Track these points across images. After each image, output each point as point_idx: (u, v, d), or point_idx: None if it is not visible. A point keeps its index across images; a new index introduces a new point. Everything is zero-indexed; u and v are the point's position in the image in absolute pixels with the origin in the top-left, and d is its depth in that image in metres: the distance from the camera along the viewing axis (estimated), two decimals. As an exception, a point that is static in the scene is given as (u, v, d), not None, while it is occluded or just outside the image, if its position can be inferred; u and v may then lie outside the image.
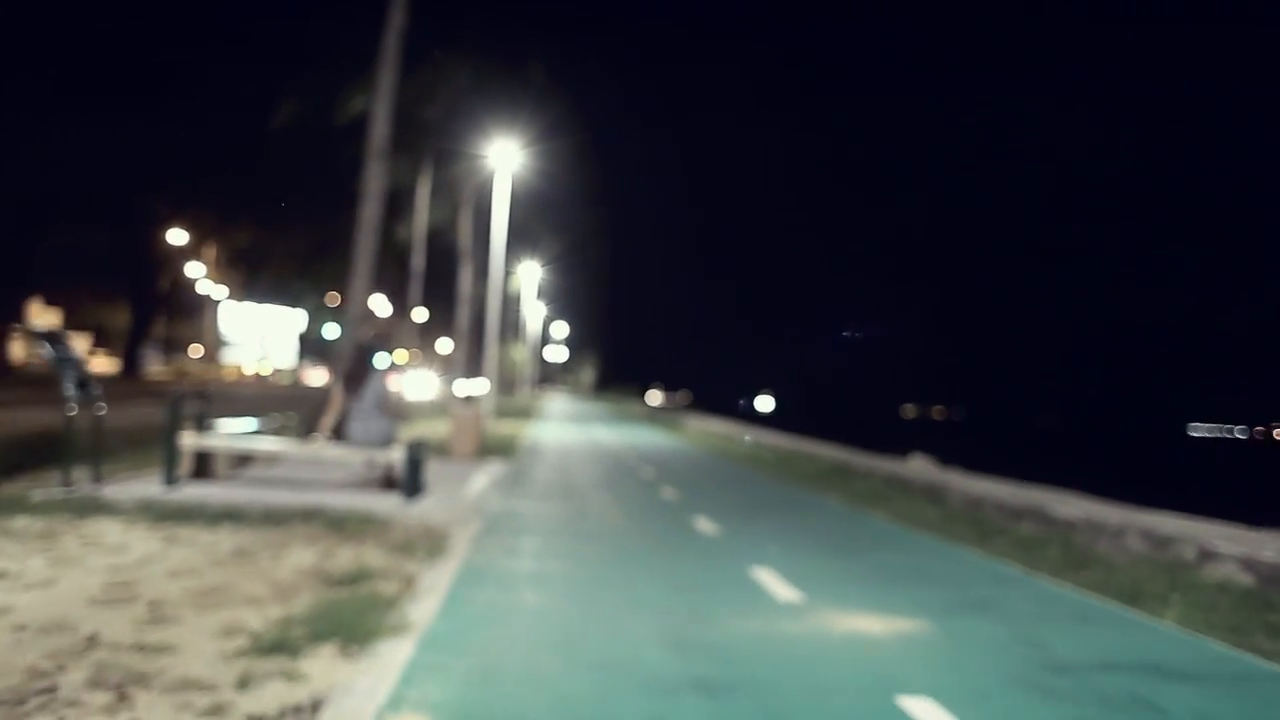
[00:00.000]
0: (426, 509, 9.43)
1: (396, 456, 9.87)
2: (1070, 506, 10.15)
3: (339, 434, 10.17)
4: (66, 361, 8.98)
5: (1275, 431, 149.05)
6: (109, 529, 7.21)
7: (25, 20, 36.69)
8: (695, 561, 7.71)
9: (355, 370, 10.00)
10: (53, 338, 9.85)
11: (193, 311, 67.05)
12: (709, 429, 33.93)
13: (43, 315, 60.56)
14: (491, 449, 18.15)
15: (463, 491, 11.14)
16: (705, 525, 9.73)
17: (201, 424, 10.33)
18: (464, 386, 43.14)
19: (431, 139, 29.31)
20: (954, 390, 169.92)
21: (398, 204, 29.71)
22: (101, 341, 59.99)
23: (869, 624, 5.73)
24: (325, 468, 11.65)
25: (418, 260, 29.32)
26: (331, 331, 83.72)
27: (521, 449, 19.73)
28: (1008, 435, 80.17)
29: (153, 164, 44.41)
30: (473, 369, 41.31)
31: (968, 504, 11.76)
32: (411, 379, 34.55)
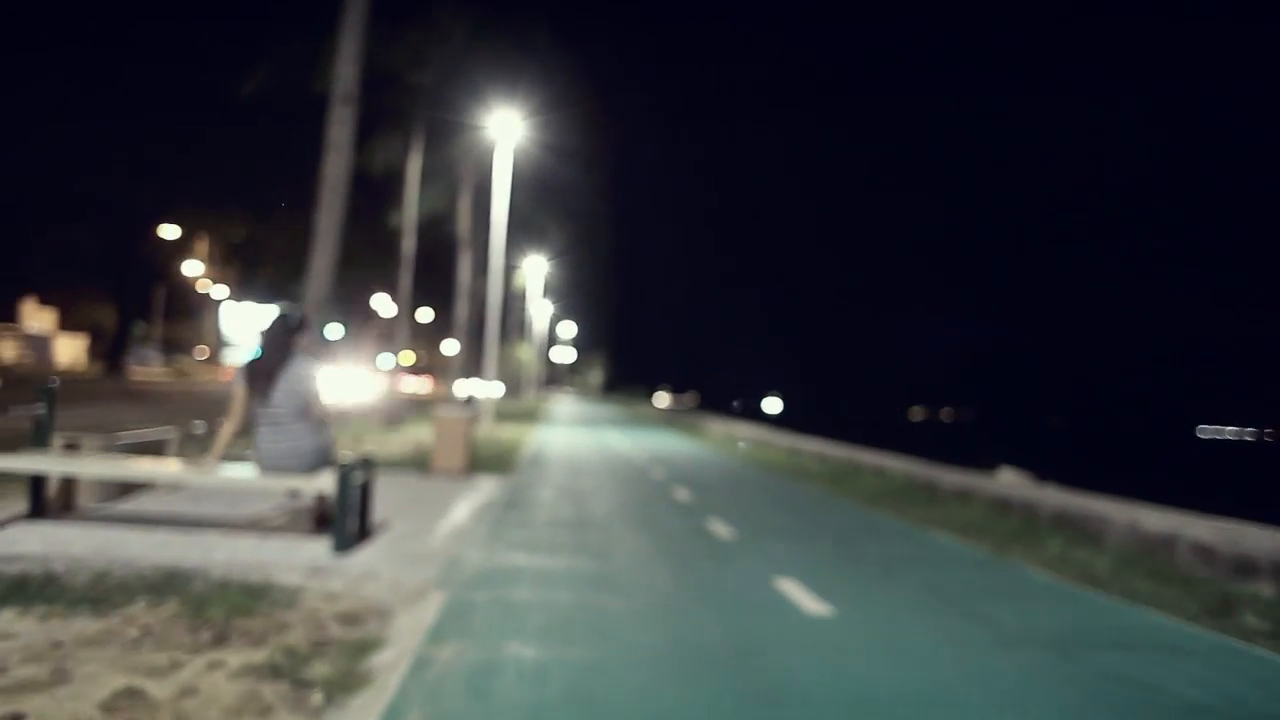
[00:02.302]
0: (365, 567, 6.12)
1: (328, 485, 6.55)
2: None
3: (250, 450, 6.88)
4: None
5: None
6: None
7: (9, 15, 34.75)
8: (809, 668, 4.36)
9: (266, 359, 6.68)
10: None
11: (193, 312, 64.73)
12: (734, 433, 30.54)
13: (37, 315, 57.92)
14: (485, 462, 14.81)
15: (431, 531, 7.80)
16: (797, 593, 6.37)
17: (39, 437, 7.01)
18: (467, 388, 39.92)
19: (423, 108, 25.97)
20: (959, 392, 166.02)
21: (392, 190, 26.41)
22: (97, 342, 57.37)
23: None
24: (241, 499, 8.34)
25: (408, 244, 26.00)
26: (334, 331, 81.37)
27: (522, 461, 16.39)
28: (1027, 437, 76.78)
29: (134, 156, 42.26)
30: (473, 369, 38.15)
31: (1142, 545, 8.40)
32: (349, 375, 30.55)
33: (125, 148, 41.17)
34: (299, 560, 6.16)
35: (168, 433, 9.29)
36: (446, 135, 29.83)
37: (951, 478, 13.89)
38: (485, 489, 11.37)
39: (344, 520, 6.46)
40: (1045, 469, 19.44)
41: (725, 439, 29.27)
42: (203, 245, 60.07)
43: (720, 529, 9.12)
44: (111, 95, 39.36)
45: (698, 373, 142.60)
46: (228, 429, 6.75)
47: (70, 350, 57.76)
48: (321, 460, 6.79)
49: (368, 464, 7.17)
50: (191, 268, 59.94)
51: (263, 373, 6.66)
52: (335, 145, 14.26)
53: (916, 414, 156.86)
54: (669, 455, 20.70)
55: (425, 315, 71.19)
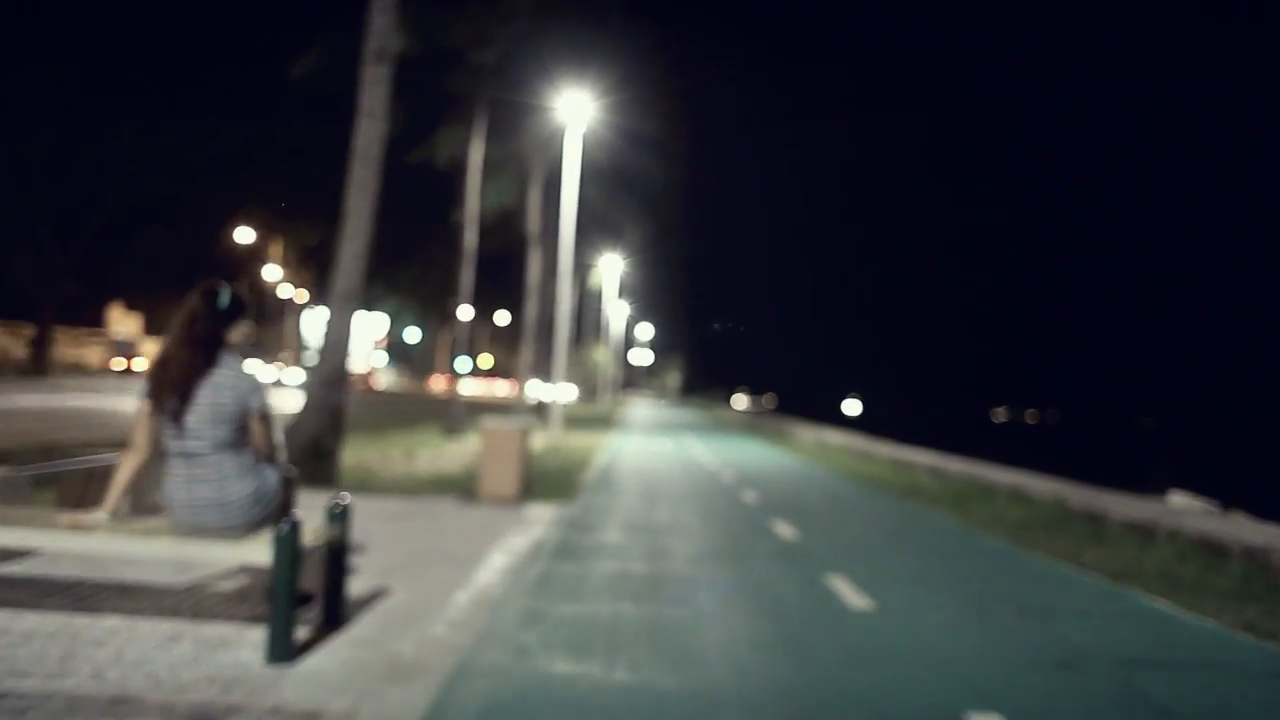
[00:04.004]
0: (309, 692, 3.80)
1: (260, 555, 4.26)
2: None
3: (159, 499, 4.65)
4: None
5: None
6: None
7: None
8: None
9: (179, 361, 4.43)
10: None
11: (275, 317, 64.60)
12: (825, 441, 27.79)
13: (124, 320, 58.12)
14: (544, 481, 12.53)
15: (441, 607, 5.47)
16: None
17: None
18: (537, 392, 37.96)
19: (487, 89, 23.90)
20: (1042, 392, 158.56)
21: (461, 185, 24.40)
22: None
23: None
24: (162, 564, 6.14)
25: (470, 237, 23.94)
26: (412, 335, 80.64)
27: (589, 479, 14.04)
28: (1125, 441, 71.84)
29: (211, 159, 41.73)
30: (546, 372, 36.13)
31: None
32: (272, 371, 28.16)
33: (203, 151, 40.56)
34: (212, 673, 3.89)
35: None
36: (515, 125, 27.80)
37: (1119, 505, 11.12)
38: (536, 524, 9.04)
39: (285, 612, 4.15)
40: (1190, 485, 16.55)
41: (816, 447, 26.56)
42: (278, 249, 59.67)
43: (846, 590, 6.60)
44: (190, 98, 38.77)
45: (775, 373, 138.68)
46: (126, 467, 4.52)
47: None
48: (263, 512, 4.51)
49: (342, 514, 4.88)
50: (270, 272, 59.60)
51: (171, 383, 4.41)
52: (368, 110, 12.13)
53: (999, 415, 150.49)
54: (759, 471, 18.15)
55: (503, 318, 69.80)
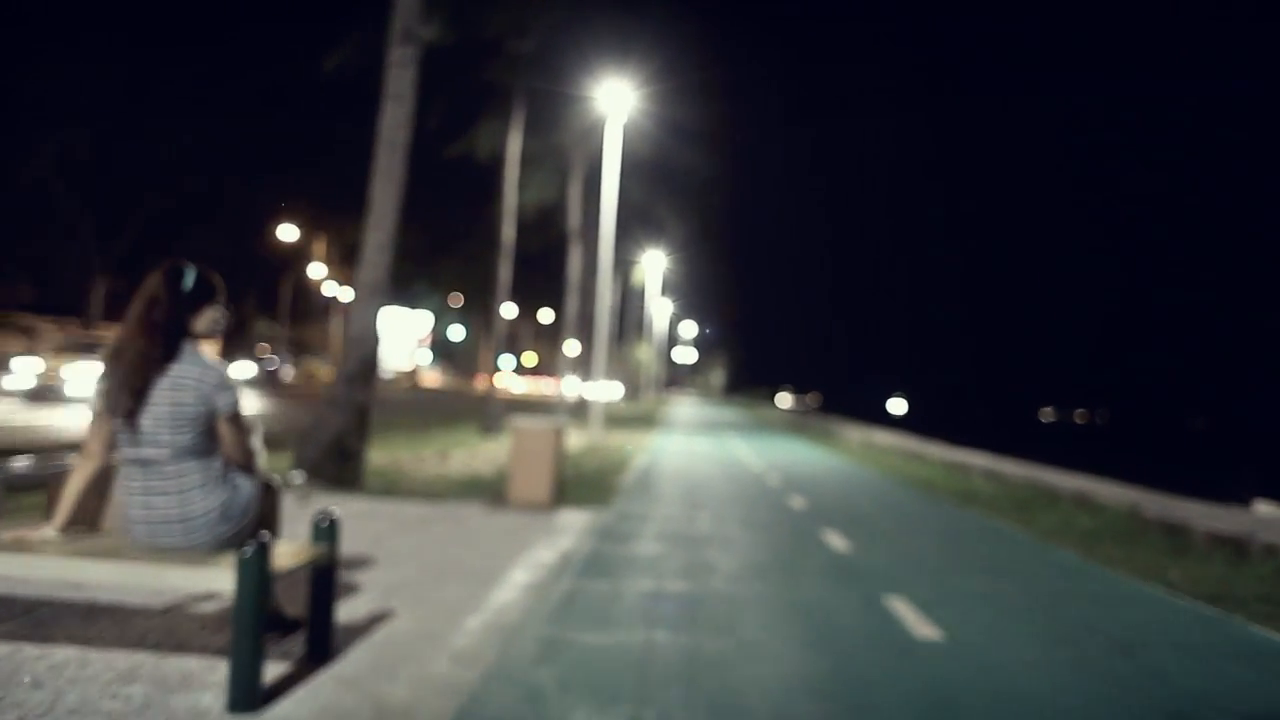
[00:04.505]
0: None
1: (223, 582, 3.61)
2: None
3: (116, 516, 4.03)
4: None
5: None
6: None
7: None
8: None
9: (136, 356, 3.81)
10: None
11: (320, 314, 64.86)
12: (873, 441, 26.85)
13: (170, 318, 58.67)
14: (580, 484, 11.88)
15: (449, 634, 4.79)
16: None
17: None
18: (578, 389, 37.44)
19: (525, 79, 23.30)
20: (1089, 391, 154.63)
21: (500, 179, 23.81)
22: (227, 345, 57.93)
23: None
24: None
25: (508, 231, 23.35)
26: (456, 332, 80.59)
27: (626, 482, 13.35)
28: (1178, 441, 69.57)
29: (253, 155, 41.77)
30: (586, 369, 35.52)
31: None
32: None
33: (244, 147, 40.57)
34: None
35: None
36: (555, 118, 27.21)
37: (1202, 515, 10.17)
38: (567, 533, 8.37)
39: (248, 653, 3.50)
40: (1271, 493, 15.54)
41: (864, 448, 25.62)
42: (321, 246, 59.77)
43: (909, 616, 5.83)
44: (233, 94, 38.77)
45: (820, 372, 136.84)
46: (77, 476, 3.91)
47: (207, 352, 58.17)
48: (234, 529, 3.87)
49: (329, 529, 4.22)
50: (316, 269, 59.74)
51: (123, 379, 3.78)
52: (394, 94, 11.55)
53: (1047, 414, 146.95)
54: (806, 473, 17.33)
55: (547, 316, 69.38)
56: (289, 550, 4.02)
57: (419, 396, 48.93)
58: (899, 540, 9.50)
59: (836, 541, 8.88)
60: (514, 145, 23.25)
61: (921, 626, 5.60)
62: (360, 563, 6.28)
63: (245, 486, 3.98)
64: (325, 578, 4.22)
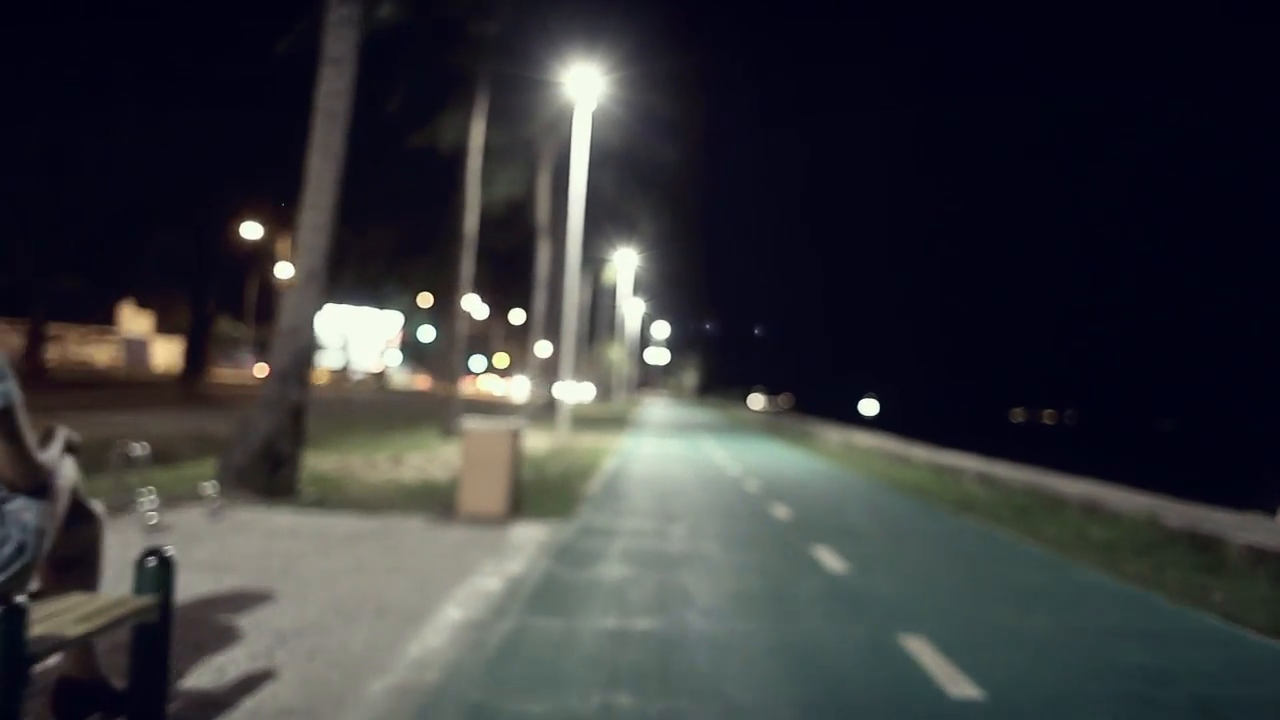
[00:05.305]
0: None
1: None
2: None
3: None
4: None
5: None
6: None
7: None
8: None
9: None
10: None
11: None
12: (853, 442, 25.79)
13: (135, 318, 56.70)
14: (541, 492, 10.69)
15: (336, 713, 3.60)
16: None
17: None
18: (553, 389, 36.21)
19: (489, 63, 22.07)
20: (1056, 392, 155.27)
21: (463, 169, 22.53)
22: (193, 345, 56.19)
23: None
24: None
25: (470, 222, 22.06)
26: (426, 333, 79.00)
27: (593, 489, 12.15)
28: (1153, 444, 69.34)
29: (209, 154, 40.09)
30: (554, 369, 34.34)
31: None
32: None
33: (208, 144, 38.90)
34: None
35: None
36: (522, 108, 26.04)
37: (1235, 527, 9.14)
38: (519, 553, 7.18)
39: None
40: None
41: (844, 450, 24.56)
42: (285, 245, 58.13)
43: (935, 665, 4.67)
44: (196, 93, 37.16)
45: (791, 373, 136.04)
46: None
47: (168, 353, 56.35)
48: (20, 568, 2.68)
49: (158, 572, 3.02)
50: (281, 269, 58.17)
51: None
52: (332, 58, 10.32)
53: (1017, 415, 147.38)
54: (787, 478, 16.21)
55: (518, 317, 68.05)
56: (93, 607, 2.82)
57: (387, 398, 47.41)
58: (900, 557, 8.38)
59: (830, 560, 7.75)
60: (478, 133, 22.00)
61: (954, 680, 4.45)
62: (255, 598, 5.08)
63: (27, 514, 2.77)
64: (154, 639, 3.02)
